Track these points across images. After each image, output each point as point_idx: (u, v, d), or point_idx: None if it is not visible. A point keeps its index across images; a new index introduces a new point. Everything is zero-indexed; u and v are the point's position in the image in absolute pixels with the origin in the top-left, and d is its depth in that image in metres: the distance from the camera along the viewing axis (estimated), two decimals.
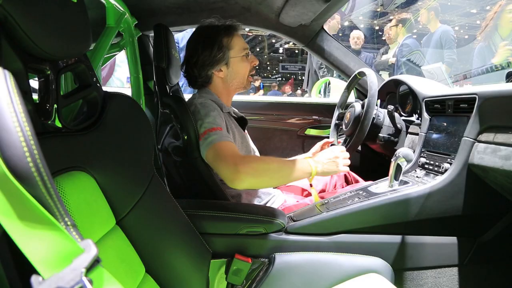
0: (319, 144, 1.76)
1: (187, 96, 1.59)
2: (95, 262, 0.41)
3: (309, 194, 1.58)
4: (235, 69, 1.35)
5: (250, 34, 13.49)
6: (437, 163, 1.26)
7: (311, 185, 1.39)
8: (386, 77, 2.20)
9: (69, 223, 0.44)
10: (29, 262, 0.37)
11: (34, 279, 0.36)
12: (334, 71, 4.27)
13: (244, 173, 1.07)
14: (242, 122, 1.44)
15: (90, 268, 0.40)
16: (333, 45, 1.98)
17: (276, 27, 1.86)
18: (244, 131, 1.42)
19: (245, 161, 1.10)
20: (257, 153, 1.47)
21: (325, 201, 1.28)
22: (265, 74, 20.60)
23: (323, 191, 1.64)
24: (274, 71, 20.13)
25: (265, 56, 18.77)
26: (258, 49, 18.19)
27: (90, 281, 0.38)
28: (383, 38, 4.61)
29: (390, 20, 5.32)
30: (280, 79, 18.80)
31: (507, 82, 1.64)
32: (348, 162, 1.27)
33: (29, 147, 0.39)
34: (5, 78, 0.40)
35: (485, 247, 1.22)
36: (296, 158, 1.27)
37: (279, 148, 2.30)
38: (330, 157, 1.23)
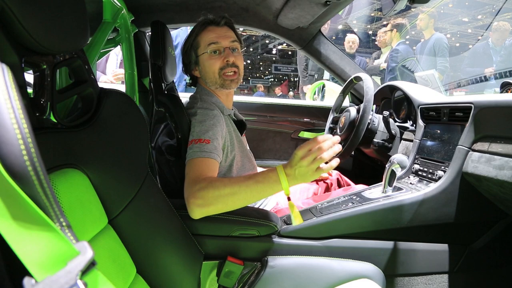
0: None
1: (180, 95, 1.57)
2: (91, 265, 0.39)
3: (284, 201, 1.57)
4: (203, 67, 1.30)
5: (244, 33, 13.51)
6: (431, 170, 1.27)
7: (288, 199, 1.05)
8: (378, 82, 2.21)
9: (64, 224, 0.43)
10: (21, 263, 0.36)
11: (26, 281, 0.34)
12: (315, 77, 4.34)
13: (194, 204, 1.01)
14: (240, 126, 1.40)
15: (85, 271, 0.38)
16: (330, 48, 1.98)
17: (273, 28, 1.86)
18: (242, 134, 1.39)
19: (196, 189, 1.01)
20: (252, 157, 1.45)
21: (319, 205, 1.27)
22: (257, 75, 20.62)
23: (315, 194, 1.63)
24: (267, 72, 20.16)
25: (258, 56, 18.79)
26: (251, 49, 18.21)
27: (85, 284, 0.37)
28: (377, 42, 4.64)
29: (385, 25, 5.36)
30: (272, 80, 18.84)
31: (501, 92, 1.65)
32: (333, 163, 0.99)
33: (26, 144, 0.37)
34: (2, 72, 0.38)
35: (475, 254, 1.23)
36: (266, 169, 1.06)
37: (272, 150, 2.29)
38: (297, 158, 0.98)
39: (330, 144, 0.98)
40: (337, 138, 1.00)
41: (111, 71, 2.57)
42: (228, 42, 1.28)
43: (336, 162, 1.00)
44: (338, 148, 0.99)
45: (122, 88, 1.72)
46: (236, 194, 1.01)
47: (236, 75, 1.29)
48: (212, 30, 1.28)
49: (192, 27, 1.34)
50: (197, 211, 1.02)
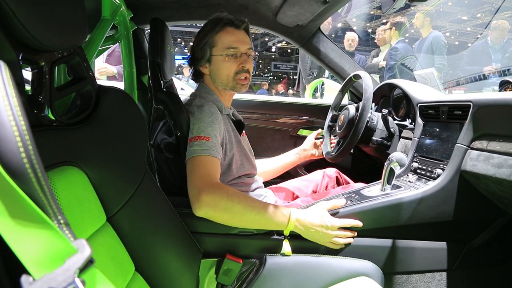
0: (311, 136, 1.76)
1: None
2: (89, 262, 0.39)
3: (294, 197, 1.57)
4: (216, 68, 1.29)
5: None
6: (429, 169, 1.27)
7: (285, 237, 1.15)
8: (377, 80, 2.21)
9: (62, 221, 0.43)
10: (19, 261, 0.36)
11: (24, 279, 0.34)
12: (314, 75, 4.33)
13: (204, 202, 1.02)
14: (239, 125, 1.40)
15: (83, 269, 0.38)
16: (329, 46, 1.98)
17: (273, 26, 1.85)
18: (240, 134, 1.39)
19: (211, 190, 1.04)
20: (252, 157, 1.45)
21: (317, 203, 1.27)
22: (256, 72, 20.62)
23: (314, 192, 1.63)
24: (266, 70, 20.16)
25: (257, 54, 18.76)
26: None
27: (83, 282, 0.37)
28: (376, 41, 4.63)
29: (384, 23, 5.35)
30: (271, 77, 18.83)
31: (500, 90, 1.66)
32: (340, 241, 1.13)
33: (24, 142, 0.37)
34: (0, 69, 0.38)
35: (474, 252, 1.23)
36: (279, 205, 1.15)
37: (271, 148, 2.29)
38: (321, 224, 1.10)
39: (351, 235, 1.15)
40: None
41: (96, 67, 2.55)
42: (246, 48, 1.28)
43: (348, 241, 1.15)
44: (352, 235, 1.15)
45: (121, 85, 1.72)
46: (245, 215, 1.06)
47: (247, 80, 1.30)
48: (232, 33, 1.27)
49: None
50: (204, 211, 1.03)
